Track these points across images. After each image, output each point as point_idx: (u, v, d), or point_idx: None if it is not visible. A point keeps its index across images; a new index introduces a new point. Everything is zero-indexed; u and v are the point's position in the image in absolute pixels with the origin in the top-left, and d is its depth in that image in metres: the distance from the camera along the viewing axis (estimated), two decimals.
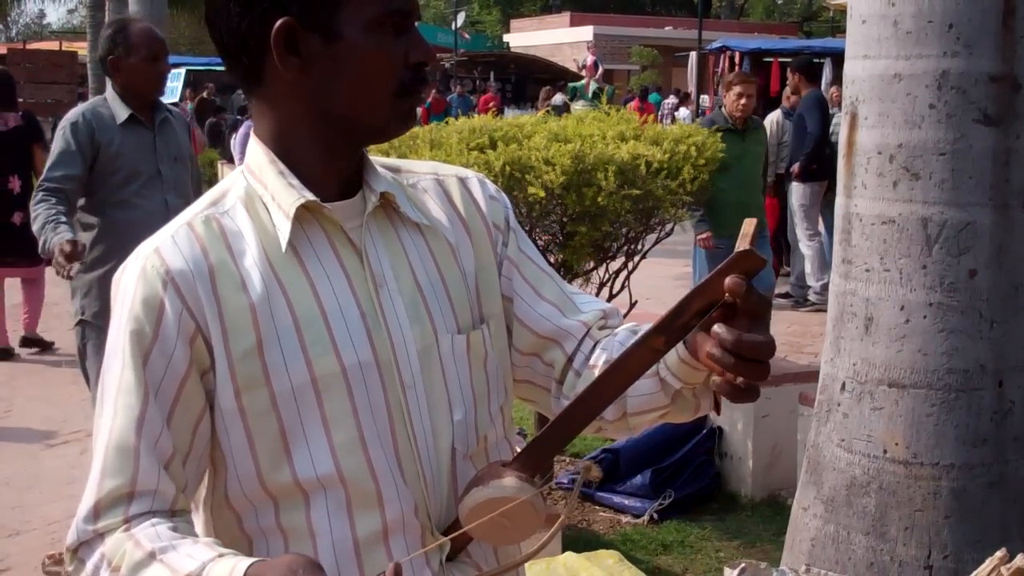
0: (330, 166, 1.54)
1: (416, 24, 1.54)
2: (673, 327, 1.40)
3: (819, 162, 9.83)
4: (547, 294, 1.69)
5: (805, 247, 10.07)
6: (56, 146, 4.53)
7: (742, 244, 1.34)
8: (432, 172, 1.70)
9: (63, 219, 4.31)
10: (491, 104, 16.99)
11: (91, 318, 4.53)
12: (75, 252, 4.11)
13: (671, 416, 1.61)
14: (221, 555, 1.38)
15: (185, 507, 1.52)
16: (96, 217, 4.57)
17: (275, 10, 1.46)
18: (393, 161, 1.71)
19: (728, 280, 1.34)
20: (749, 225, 1.37)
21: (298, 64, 1.48)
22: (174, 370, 1.46)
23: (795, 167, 9.96)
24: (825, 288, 8.67)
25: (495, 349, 1.64)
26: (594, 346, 1.66)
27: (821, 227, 10.26)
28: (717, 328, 1.36)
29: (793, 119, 10.28)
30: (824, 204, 9.82)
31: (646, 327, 1.62)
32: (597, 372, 1.61)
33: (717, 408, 1.58)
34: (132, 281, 1.48)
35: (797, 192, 10.09)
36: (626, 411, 1.58)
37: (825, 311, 3.65)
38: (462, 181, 1.70)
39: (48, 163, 4.53)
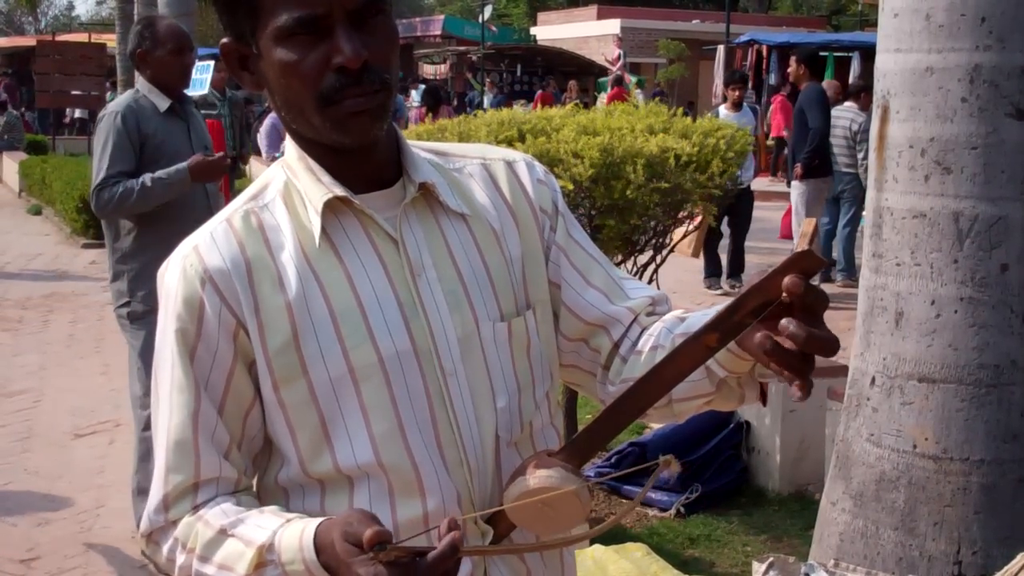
0: (343, 165, 1.54)
1: (342, 23, 1.43)
2: (727, 324, 1.39)
3: (822, 158, 9.44)
4: (595, 280, 1.68)
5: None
6: (107, 138, 4.62)
7: (802, 244, 1.32)
8: (479, 156, 1.70)
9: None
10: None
11: (140, 301, 4.61)
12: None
13: (716, 404, 1.60)
14: (288, 520, 1.43)
15: (248, 485, 1.57)
16: None
17: (225, 31, 1.52)
18: (440, 145, 1.71)
19: (787, 280, 1.32)
20: (809, 225, 1.37)
21: (251, 79, 1.53)
22: (220, 365, 1.51)
23: (797, 167, 9.38)
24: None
25: (540, 335, 1.64)
26: (641, 332, 1.66)
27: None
28: (785, 322, 1.32)
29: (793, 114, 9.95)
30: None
31: (694, 314, 1.61)
32: (643, 361, 1.61)
33: (763, 399, 1.56)
34: (174, 281, 1.53)
35: (800, 190, 9.33)
36: (672, 397, 1.57)
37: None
38: (509, 165, 1.69)
39: (104, 157, 4.60)
